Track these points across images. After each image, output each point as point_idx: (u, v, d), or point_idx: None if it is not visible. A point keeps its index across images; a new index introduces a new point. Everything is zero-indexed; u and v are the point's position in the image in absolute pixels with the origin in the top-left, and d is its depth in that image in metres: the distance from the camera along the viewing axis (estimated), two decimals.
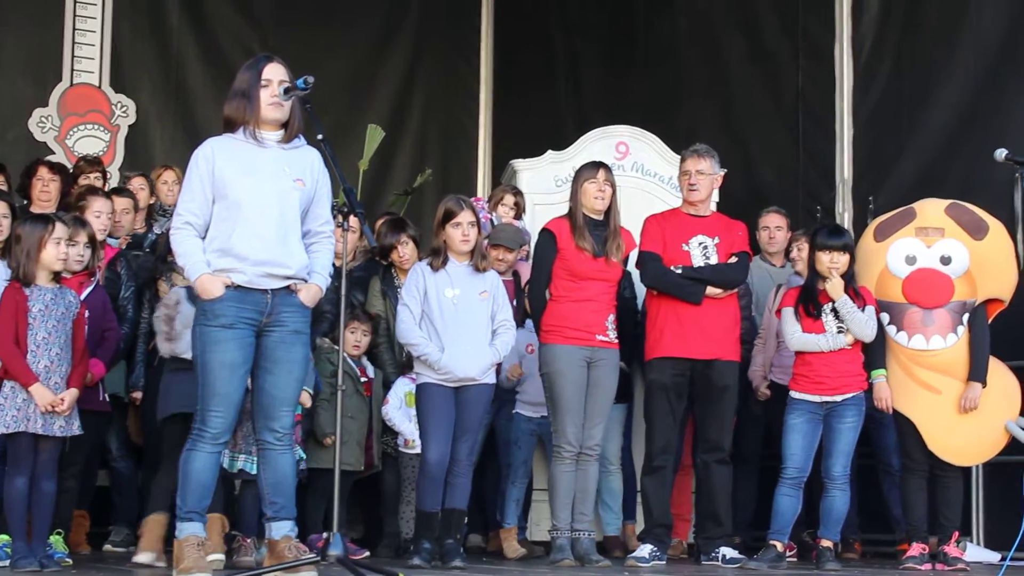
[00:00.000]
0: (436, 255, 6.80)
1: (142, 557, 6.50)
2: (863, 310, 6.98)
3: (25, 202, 8.10)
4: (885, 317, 7.17)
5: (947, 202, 7.34)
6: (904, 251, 7.24)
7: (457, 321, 6.70)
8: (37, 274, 6.13)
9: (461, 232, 6.75)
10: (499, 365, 7.03)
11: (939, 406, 7.11)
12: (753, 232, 8.40)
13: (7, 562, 6.10)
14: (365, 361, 7.63)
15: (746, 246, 7.43)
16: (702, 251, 7.27)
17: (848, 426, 7.00)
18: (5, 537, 6.20)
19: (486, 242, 7.87)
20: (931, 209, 7.33)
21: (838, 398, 7.00)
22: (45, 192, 8.04)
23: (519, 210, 8.41)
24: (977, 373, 7.12)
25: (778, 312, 7.34)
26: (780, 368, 7.69)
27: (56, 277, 6.22)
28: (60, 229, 6.23)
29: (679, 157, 7.59)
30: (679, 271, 7.21)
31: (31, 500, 6.06)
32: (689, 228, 7.31)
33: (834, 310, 7.00)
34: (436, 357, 6.64)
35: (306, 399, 6.84)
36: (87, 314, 6.44)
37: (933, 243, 7.23)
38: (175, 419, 6.49)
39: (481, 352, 6.71)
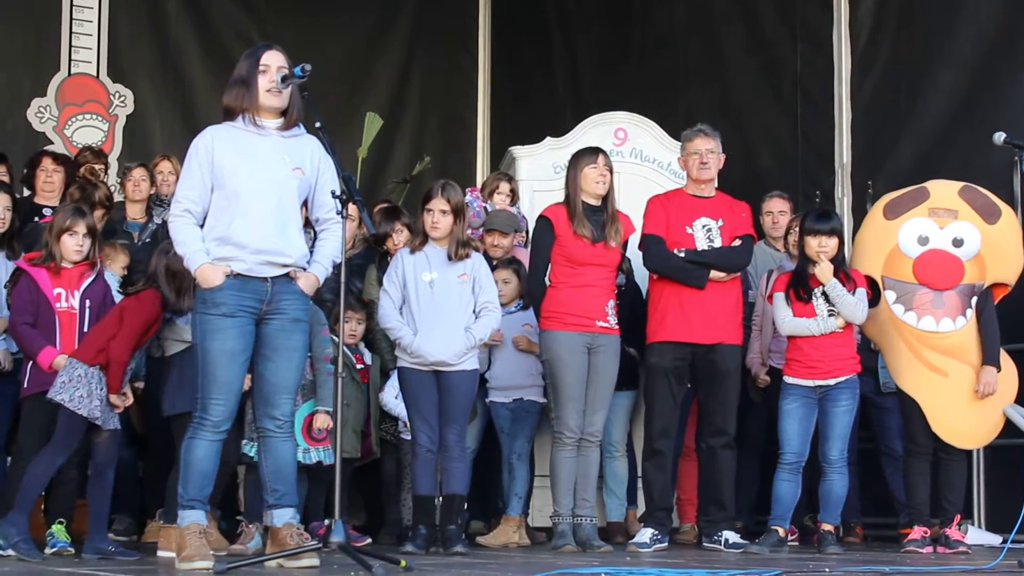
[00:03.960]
0: (416, 237, 6.88)
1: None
2: (854, 293, 6.99)
3: (29, 193, 8.12)
4: (891, 295, 7.18)
5: (960, 184, 7.33)
6: (916, 231, 7.23)
7: (433, 305, 6.73)
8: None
9: (431, 219, 6.78)
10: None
11: (945, 388, 7.12)
12: (757, 216, 8.42)
13: (10, 551, 6.19)
14: (362, 348, 7.64)
15: (750, 228, 7.44)
16: (706, 234, 7.28)
17: (843, 409, 7.02)
18: None
19: (480, 230, 7.90)
20: (944, 190, 7.32)
21: (831, 382, 7.02)
22: (49, 183, 8.07)
23: (514, 197, 8.43)
24: (991, 357, 7.13)
25: (770, 297, 7.35)
26: (779, 353, 7.70)
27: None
28: None
29: (679, 141, 7.60)
30: (682, 254, 7.22)
31: (93, 492, 6.29)
32: (693, 210, 7.32)
33: (824, 294, 7.01)
34: (409, 340, 6.69)
35: (325, 421, 6.83)
36: (88, 303, 6.47)
37: (946, 224, 7.22)
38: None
39: (455, 336, 6.72)
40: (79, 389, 6.13)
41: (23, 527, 6.15)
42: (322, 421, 6.84)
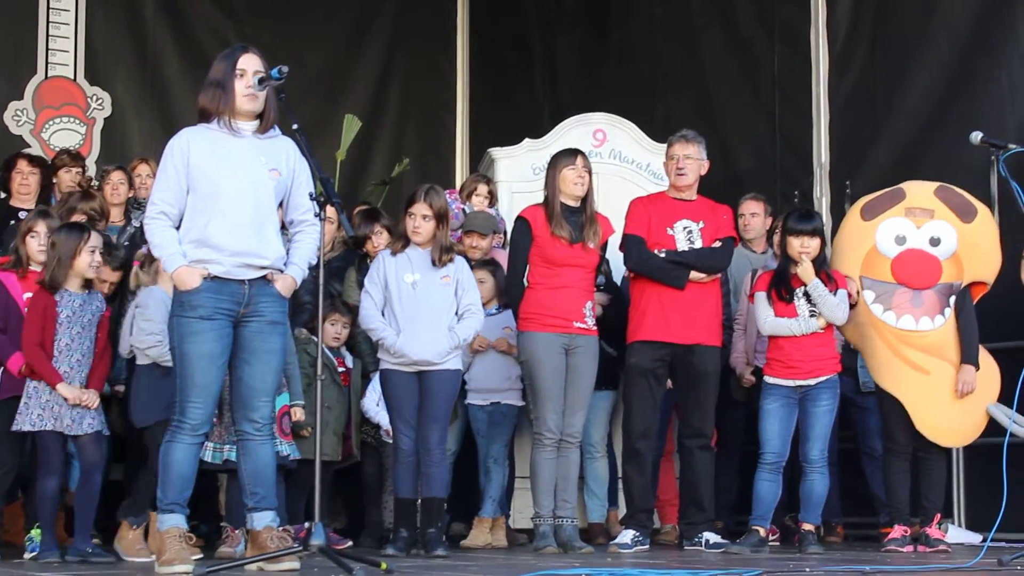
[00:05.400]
0: (398, 239, 6.89)
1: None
2: (835, 294, 7.00)
3: (4, 195, 8.09)
4: (870, 295, 7.19)
5: (936, 184, 7.35)
6: (894, 231, 7.24)
7: (415, 305, 6.73)
8: (69, 281, 6.27)
9: (413, 223, 6.78)
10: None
11: (927, 387, 7.13)
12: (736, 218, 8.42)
13: None
14: (343, 351, 7.63)
15: (732, 231, 7.46)
16: (686, 235, 7.29)
17: (823, 409, 7.03)
18: None
19: (459, 232, 7.90)
20: (920, 190, 7.34)
21: (812, 382, 7.02)
22: (25, 185, 8.06)
23: (492, 198, 8.44)
24: (970, 356, 7.13)
25: (751, 296, 7.35)
26: (763, 353, 7.70)
27: (87, 283, 6.34)
28: (94, 238, 6.36)
29: (658, 144, 7.60)
30: (663, 255, 7.22)
31: (79, 494, 6.32)
32: (674, 212, 7.33)
33: (806, 294, 7.02)
34: (392, 340, 6.68)
35: (299, 414, 6.83)
36: None
37: (923, 224, 7.23)
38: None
39: (438, 336, 6.72)
40: (32, 409, 6.16)
41: (50, 543, 6.24)
42: (299, 414, 6.83)
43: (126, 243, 7.96)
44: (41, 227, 6.52)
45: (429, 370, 6.72)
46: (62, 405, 6.17)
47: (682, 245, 7.27)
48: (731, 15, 10.16)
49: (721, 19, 10.25)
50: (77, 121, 10.44)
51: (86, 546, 6.25)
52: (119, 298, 7.31)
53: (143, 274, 6.82)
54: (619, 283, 7.96)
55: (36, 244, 6.51)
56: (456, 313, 6.84)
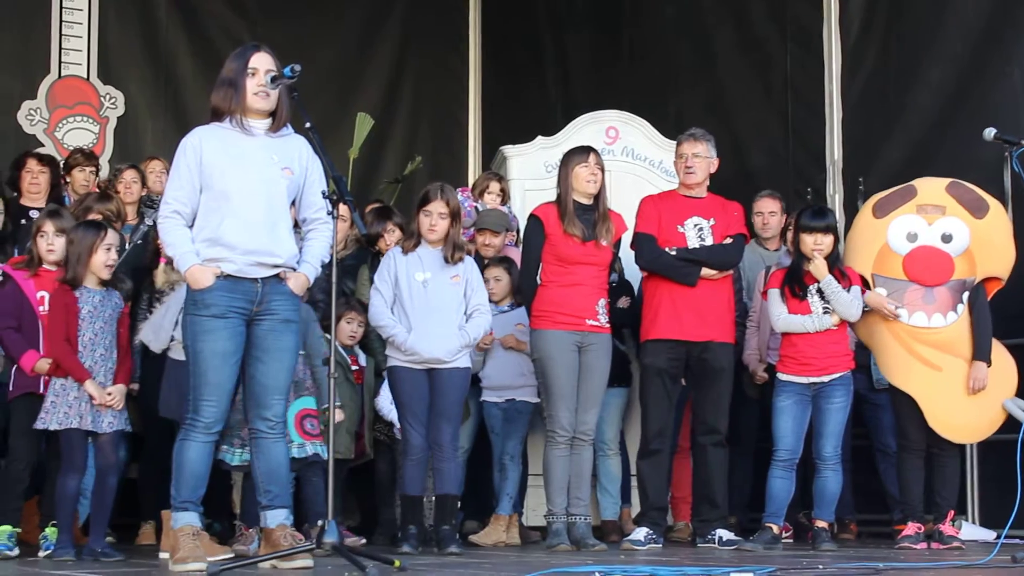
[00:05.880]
0: (409, 238, 6.87)
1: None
2: (848, 290, 6.99)
3: (15, 195, 8.11)
4: (882, 292, 7.18)
5: (947, 180, 7.33)
6: (905, 228, 7.23)
7: (426, 303, 6.74)
8: (87, 278, 6.30)
9: (429, 221, 6.79)
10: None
11: (940, 383, 7.11)
12: (748, 216, 8.41)
13: (13, 552, 6.34)
14: (357, 349, 7.64)
15: (742, 227, 7.46)
16: (697, 232, 7.30)
17: (837, 406, 7.02)
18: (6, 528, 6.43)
19: (472, 230, 7.90)
20: (931, 187, 7.32)
21: (825, 379, 7.02)
22: (35, 184, 8.08)
23: (505, 196, 8.44)
24: (982, 352, 7.12)
25: (764, 293, 7.35)
26: (776, 350, 7.69)
27: (103, 280, 6.36)
28: (111, 236, 6.39)
29: (670, 141, 7.59)
30: (674, 252, 7.23)
31: (94, 495, 6.35)
32: (685, 209, 7.34)
33: (819, 291, 7.02)
34: (403, 338, 6.69)
35: (340, 415, 6.84)
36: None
37: (934, 221, 7.22)
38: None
39: (449, 334, 6.72)
40: (59, 408, 6.19)
41: (66, 542, 6.26)
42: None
43: (139, 241, 7.98)
44: (49, 227, 6.56)
45: (439, 368, 6.72)
46: (86, 403, 6.20)
47: (693, 242, 7.28)
48: (743, 13, 10.15)
49: (733, 17, 10.23)
50: (90, 120, 10.46)
51: (100, 546, 6.28)
52: (136, 296, 7.33)
53: (172, 272, 6.82)
54: (638, 282, 7.96)
55: (45, 244, 6.54)
56: (465, 313, 6.85)
